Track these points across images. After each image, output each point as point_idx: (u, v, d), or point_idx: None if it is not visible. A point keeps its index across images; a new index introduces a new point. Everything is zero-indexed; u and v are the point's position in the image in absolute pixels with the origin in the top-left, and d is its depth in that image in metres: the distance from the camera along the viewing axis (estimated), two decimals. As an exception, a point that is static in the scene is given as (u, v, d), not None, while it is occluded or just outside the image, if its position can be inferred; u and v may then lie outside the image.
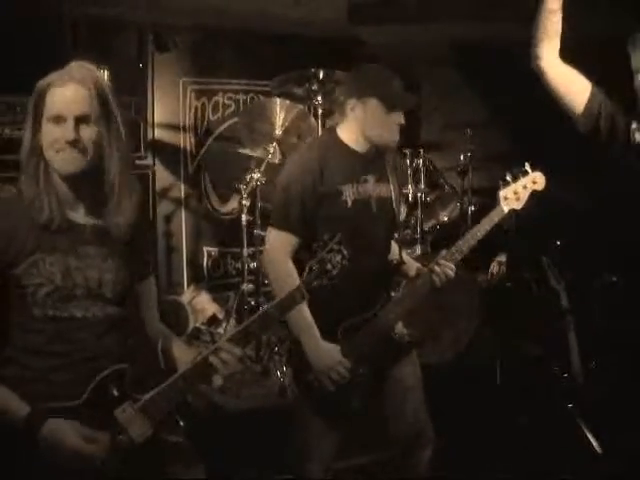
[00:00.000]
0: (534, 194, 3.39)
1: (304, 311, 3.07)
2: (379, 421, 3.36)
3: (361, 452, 4.11)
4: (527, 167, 3.37)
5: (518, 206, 3.36)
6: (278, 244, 3.20)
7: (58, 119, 2.26)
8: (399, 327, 3.30)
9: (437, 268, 3.26)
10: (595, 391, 4.50)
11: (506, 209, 3.34)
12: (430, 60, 6.74)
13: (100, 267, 2.36)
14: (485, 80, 6.54)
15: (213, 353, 2.36)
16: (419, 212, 5.59)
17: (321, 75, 5.22)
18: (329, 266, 2.53)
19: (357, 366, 3.15)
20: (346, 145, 3.27)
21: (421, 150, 5.62)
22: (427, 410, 3.42)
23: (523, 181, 3.36)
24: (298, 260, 3.11)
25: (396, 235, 3.57)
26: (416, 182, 5.56)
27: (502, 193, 3.34)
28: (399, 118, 3.23)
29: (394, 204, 3.39)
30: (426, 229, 5.67)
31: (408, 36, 6.25)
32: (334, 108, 3.45)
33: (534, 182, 3.38)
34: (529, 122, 6.09)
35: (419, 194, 5.56)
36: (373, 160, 3.30)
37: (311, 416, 3.19)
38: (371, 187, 3.28)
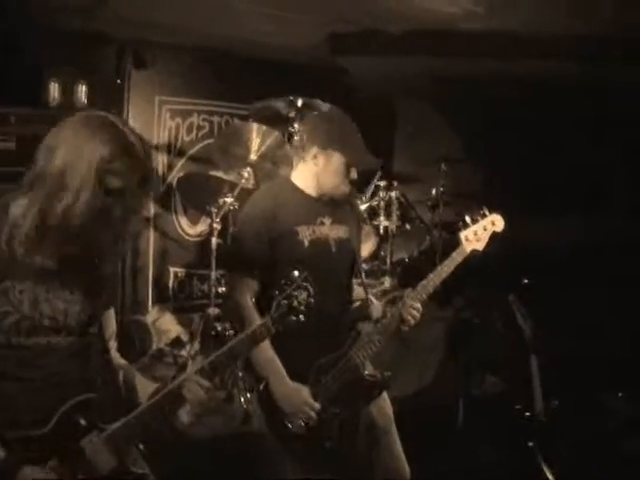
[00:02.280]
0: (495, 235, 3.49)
1: (270, 352, 3.11)
2: (353, 462, 3.35)
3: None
4: (485, 210, 3.48)
5: (479, 247, 3.47)
6: (238, 289, 3.24)
7: None
8: (369, 368, 3.31)
9: (404, 312, 3.28)
10: (557, 430, 4.54)
11: (468, 250, 3.41)
12: (409, 93, 6.79)
13: (67, 299, 2.34)
14: (462, 116, 6.61)
15: (181, 384, 2.35)
16: (389, 244, 5.61)
17: (299, 103, 5.23)
18: (295, 303, 2.55)
19: (329, 407, 3.14)
20: (300, 190, 3.34)
21: (394, 183, 5.66)
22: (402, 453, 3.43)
23: (482, 223, 3.47)
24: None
25: (357, 277, 3.58)
26: (388, 215, 5.59)
27: (463, 234, 3.42)
28: (354, 173, 3.32)
29: (353, 245, 3.43)
30: (396, 261, 5.70)
31: (388, 68, 6.29)
32: (292, 150, 3.47)
33: (493, 224, 3.49)
34: (503, 160, 6.17)
35: (390, 226, 5.59)
36: (327, 203, 3.36)
37: (280, 452, 3.18)
38: (327, 229, 3.33)
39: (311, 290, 2.59)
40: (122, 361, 2.64)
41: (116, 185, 2.24)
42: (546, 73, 5.76)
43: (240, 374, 4.96)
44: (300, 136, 3.43)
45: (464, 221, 3.45)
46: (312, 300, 2.58)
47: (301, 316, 2.56)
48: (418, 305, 3.32)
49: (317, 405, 3.12)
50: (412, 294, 3.33)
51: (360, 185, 5.44)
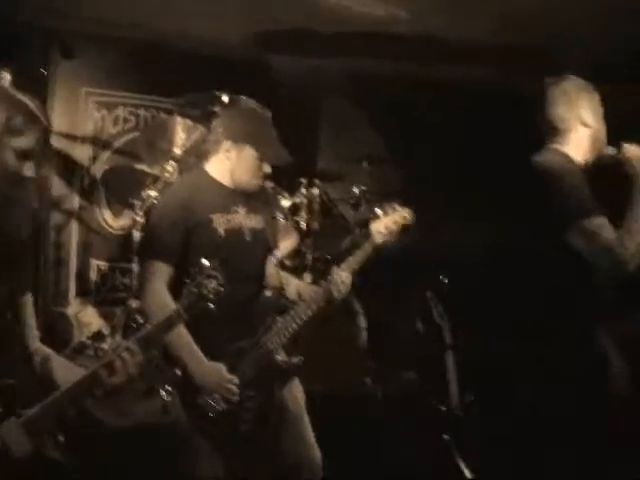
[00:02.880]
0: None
1: (186, 337, 3.16)
2: (266, 447, 3.41)
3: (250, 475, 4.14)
4: (395, 205, 3.63)
5: (390, 239, 3.60)
6: (153, 274, 3.27)
7: None
8: (282, 354, 3.38)
9: (332, 286, 3.39)
10: (472, 424, 4.66)
11: (378, 241, 3.54)
12: (334, 92, 6.86)
13: None
14: (385, 116, 6.71)
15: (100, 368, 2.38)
16: (311, 241, 5.67)
17: (225, 99, 5.24)
18: (205, 291, 2.62)
19: (245, 391, 3.21)
20: (215, 180, 3.42)
21: (317, 181, 5.72)
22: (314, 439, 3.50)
23: (392, 216, 3.57)
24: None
25: (274, 260, 3.66)
26: (310, 212, 5.64)
27: (374, 226, 3.53)
28: (267, 168, 3.42)
29: (267, 235, 3.54)
30: (317, 258, 5.76)
31: (315, 67, 6.37)
32: (206, 143, 3.55)
33: (403, 217, 3.61)
34: (423, 160, 6.29)
35: (312, 224, 5.65)
36: (242, 194, 3.45)
37: (199, 439, 3.22)
38: (242, 217, 3.42)
39: (220, 279, 2.66)
40: (47, 350, 2.66)
41: (22, 145, 2.30)
42: (466, 77, 5.91)
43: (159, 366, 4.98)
44: (215, 130, 3.49)
45: (375, 214, 3.58)
46: (221, 289, 2.65)
47: (210, 304, 2.63)
48: (348, 275, 3.46)
49: (236, 379, 3.19)
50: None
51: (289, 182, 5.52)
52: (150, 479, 3.81)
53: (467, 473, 4.30)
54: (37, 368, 2.56)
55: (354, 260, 3.52)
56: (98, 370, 2.41)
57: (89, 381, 2.41)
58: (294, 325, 3.39)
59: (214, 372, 3.19)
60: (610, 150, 3.28)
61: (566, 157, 3.20)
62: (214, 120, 4.85)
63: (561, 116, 3.22)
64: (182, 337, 3.15)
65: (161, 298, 3.22)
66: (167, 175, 5.12)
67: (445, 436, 4.54)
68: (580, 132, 3.23)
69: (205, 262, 2.69)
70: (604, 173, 3.28)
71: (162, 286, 3.24)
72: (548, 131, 3.27)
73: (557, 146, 3.24)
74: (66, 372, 2.56)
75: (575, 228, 2.97)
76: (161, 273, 3.26)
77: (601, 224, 2.95)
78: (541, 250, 3.13)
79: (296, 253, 5.57)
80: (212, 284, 2.64)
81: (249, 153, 3.37)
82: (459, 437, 4.55)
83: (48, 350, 2.67)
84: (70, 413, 2.42)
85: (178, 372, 3.22)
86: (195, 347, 3.19)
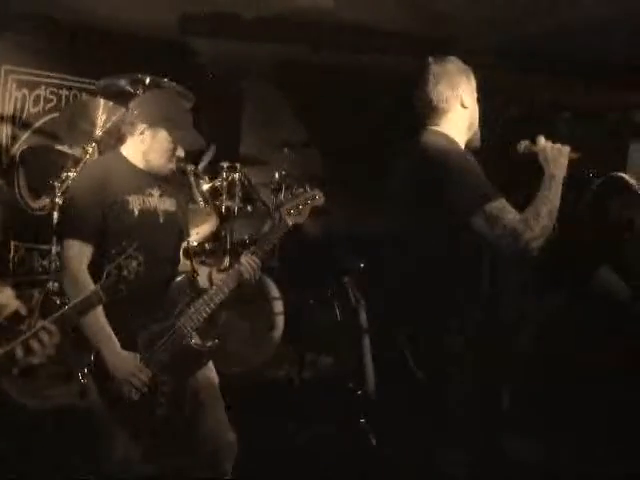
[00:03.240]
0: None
1: (102, 320, 3.17)
2: (182, 430, 3.43)
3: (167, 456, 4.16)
4: (307, 186, 3.70)
5: (301, 220, 3.66)
6: (72, 253, 3.27)
7: None
8: (196, 337, 3.42)
9: (242, 269, 3.44)
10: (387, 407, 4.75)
11: (289, 222, 3.60)
12: (258, 77, 6.90)
13: None
14: (307, 102, 6.77)
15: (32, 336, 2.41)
16: (230, 225, 5.71)
17: (147, 81, 5.23)
18: (125, 272, 2.64)
19: (159, 375, 3.25)
20: (130, 162, 3.44)
21: (237, 165, 5.75)
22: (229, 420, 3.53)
23: (303, 197, 3.66)
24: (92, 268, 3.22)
25: (184, 245, 3.70)
26: (230, 196, 5.68)
27: (284, 208, 3.61)
28: (181, 152, 3.50)
29: (180, 219, 3.57)
30: (236, 242, 5.80)
31: (239, 52, 6.38)
32: (122, 126, 3.56)
33: (313, 198, 3.69)
34: (346, 145, 6.37)
35: (232, 207, 5.70)
36: (156, 177, 3.48)
37: (114, 423, 3.24)
38: (156, 200, 3.45)
39: (141, 259, 2.69)
40: None
41: None
42: (386, 65, 5.99)
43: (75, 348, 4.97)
44: (131, 112, 3.50)
45: (286, 196, 3.65)
46: (141, 269, 2.67)
47: (131, 284, 2.65)
48: (256, 259, 3.50)
49: (148, 371, 3.22)
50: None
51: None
52: (68, 462, 3.84)
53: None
54: None
55: (265, 242, 3.58)
56: (15, 348, 2.41)
57: (5, 359, 2.41)
58: (207, 309, 3.42)
59: (127, 362, 3.20)
60: (524, 143, 3.37)
61: (448, 139, 3.23)
62: (131, 102, 4.89)
63: (443, 95, 3.22)
64: (98, 320, 3.16)
65: (80, 278, 3.22)
66: (87, 156, 5.10)
67: (362, 420, 4.62)
68: (458, 113, 3.27)
69: (125, 243, 2.71)
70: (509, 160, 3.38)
71: (81, 266, 3.24)
72: (426, 111, 3.28)
73: (436, 127, 3.26)
74: None
75: (477, 213, 2.98)
76: (81, 252, 3.26)
77: (502, 207, 2.99)
78: (443, 233, 3.19)
79: (216, 236, 5.61)
80: (132, 264, 2.66)
81: (163, 136, 3.40)
82: (375, 420, 4.63)
83: None
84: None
85: (91, 357, 3.23)
86: (110, 332, 3.20)
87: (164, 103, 3.51)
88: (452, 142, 3.23)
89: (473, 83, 3.34)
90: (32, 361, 2.44)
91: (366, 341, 4.97)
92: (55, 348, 2.46)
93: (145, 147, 3.42)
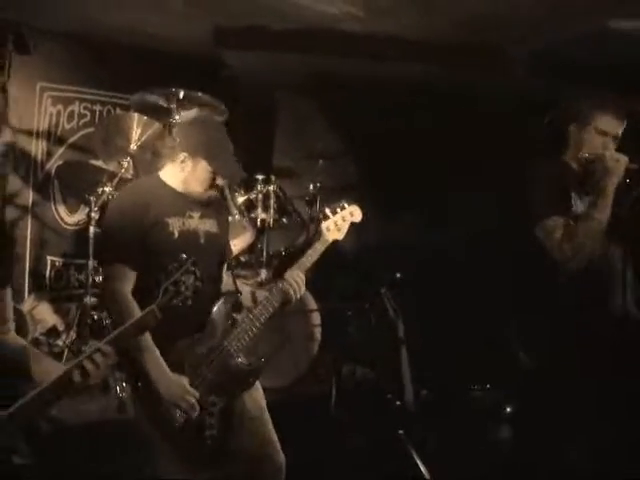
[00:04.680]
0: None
1: (150, 342, 3.14)
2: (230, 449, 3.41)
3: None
4: (344, 203, 3.72)
5: (340, 237, 3.68)
6: (115, 277, 3.26)
7: None
8: (242, 357, 3.41)
9: (286, 286, 3.44)
10: (426, 419, 4.71)
11: (329, 239, 3.60)
12: (290, 88, 6.89)
13: None
14: (340, 113, 6.75)
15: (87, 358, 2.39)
16: (266, 237, 5.71)
17: (181, 95, 5.24)
18: (183, 287, 2.61)
19: (207, 396, 3.23)
20: (169, 186, 3.44)
21: (272, 177, 5.75)
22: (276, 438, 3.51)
23: (341, 214, 3.67)
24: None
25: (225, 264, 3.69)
26: (265, 208, 5.67)
27: (324, 225, 3.60)
28: (220, 180, 3.47)
29: (222, 239, 3.58)
30: (272, 254, 5.79)
31: (270, 64, 6.38)
32: (160, 147, 3.58)
33: (351, 214, 3.71)
34: (377, 158, 6.35)
35: (267, 220, 5.68)
36: (195, 200, 3.48)
37: (160, 441, 3.21)
38: (196, 222, 3.44)
39: (198, 274, 2.67)
40: (21, 341, 2.66)
41: None
42: (419, 76, 5.97)
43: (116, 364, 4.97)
44: (173, 139, 3.51)
45: (324, 213, 3.65)
46: (199, 284, 2.65)
47: (188, 300, 2.64)
48: (302, 275, 3.49)
49: (197, 393, 3.19)
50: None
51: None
52: (104, 475, 3.83)
53: (422, 468, 4.35)
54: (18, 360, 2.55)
55: (306, 259, 3.55)
56: (72, 371, 2.39)
57: (62, 382, 2.39)
58: (254, 329, 3.41)
59: (177, 385, 3.17)
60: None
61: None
62: (176, 117, 4.88)
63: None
64: (146, 343, 3.13)
65: (126, 301, 3.20)
66: (122, 171, 5.12)
67: (400, 431, 4.59)
68: None
69: (184, 256, 2.69)
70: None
71: (126, 290, 3.23)
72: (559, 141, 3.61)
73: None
74: (47, 366, 2.56)
75: (538, 225, 3.43)
76: (125, 277, 3.24)
77: (555, 225, 3.38)
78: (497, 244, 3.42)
79: (252, 249, 5.60)
80: (190, 280, 2.64)
81: (203, 166, 3.40)
82: (413, 432, 4.59)
83: (23, 341, 2.68)
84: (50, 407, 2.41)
85: (139, 383, 3.20)
86: (158, 355, 3.17)
87: (205, 133, 3.49)
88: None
89: None
90: (87, 383, 2.41)
91: (403, 352, 4.95)
92: (109, 369, 2.44)
93: (185, 175, 3.42)
